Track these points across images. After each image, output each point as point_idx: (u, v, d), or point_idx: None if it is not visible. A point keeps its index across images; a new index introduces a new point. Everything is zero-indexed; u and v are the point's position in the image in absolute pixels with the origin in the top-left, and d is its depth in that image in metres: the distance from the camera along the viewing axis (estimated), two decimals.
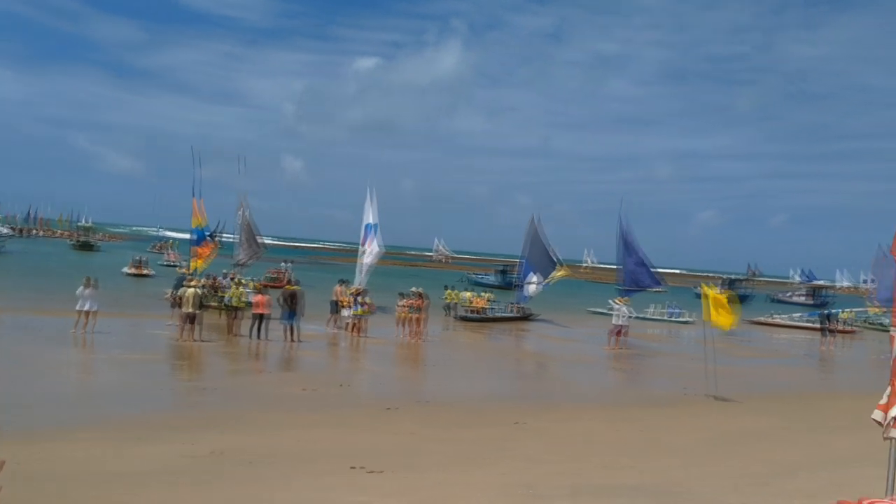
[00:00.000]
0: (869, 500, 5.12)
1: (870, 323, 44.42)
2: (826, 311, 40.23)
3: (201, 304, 21.37)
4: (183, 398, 14.66)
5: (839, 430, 13.44)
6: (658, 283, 35.50)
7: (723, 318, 17.03)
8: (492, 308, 35.10)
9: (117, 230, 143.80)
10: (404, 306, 25.49)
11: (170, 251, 64.65)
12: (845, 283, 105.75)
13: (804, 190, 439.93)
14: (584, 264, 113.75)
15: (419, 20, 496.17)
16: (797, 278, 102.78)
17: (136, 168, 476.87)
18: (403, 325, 25.39)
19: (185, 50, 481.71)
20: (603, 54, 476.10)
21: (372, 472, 8.94)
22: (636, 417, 14.33)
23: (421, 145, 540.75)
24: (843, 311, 43.23)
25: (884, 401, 5.69)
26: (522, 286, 37.47)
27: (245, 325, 22.99)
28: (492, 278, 59.89)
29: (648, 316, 40.26)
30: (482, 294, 36.69)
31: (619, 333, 26.56)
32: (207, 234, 29.61)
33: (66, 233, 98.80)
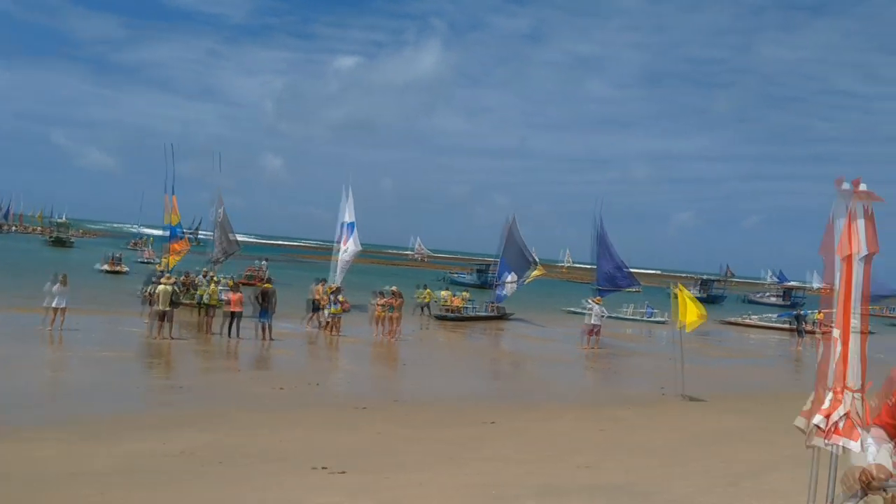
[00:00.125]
0: None
1: None
2: (798, 312, 40.63)
3: (173, 301, 21.11)
4: (155, 396, 14.46)
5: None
6: (633, 284, 35.72)
7: (690, 315, 17.03)
8: (468, 307, 35.07)
9: (95, 227, 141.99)
10: (380, 305, 25.27)
11: (146, 248, 63.89)
12: (816, 285, 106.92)
13: (778, 191, 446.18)
14: (563, 264, 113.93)
15: (400, 19, 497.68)
16: (770, 279, 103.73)
17: (115, 164, 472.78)
18: (379, 324, 25.20)
19: (165, 46, 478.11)
20: (581, 56, 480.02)
21: (339, 472, 8.86)
22: (613, 417, 14.33)
23: (400, 144, 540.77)
24: (816, 312, 43.68)
25: (807, 407, 5.44)
26: (498, 286, 37.49)
27: (218, 322, 22.79)
28: (470, 277, 59.88)
29: (625, 316, 40.45)
30: (459, 293, 36.61)
31: (591, 332, 26.64)
32: (180, 231, 29.33)
33: (41, 229, 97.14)
